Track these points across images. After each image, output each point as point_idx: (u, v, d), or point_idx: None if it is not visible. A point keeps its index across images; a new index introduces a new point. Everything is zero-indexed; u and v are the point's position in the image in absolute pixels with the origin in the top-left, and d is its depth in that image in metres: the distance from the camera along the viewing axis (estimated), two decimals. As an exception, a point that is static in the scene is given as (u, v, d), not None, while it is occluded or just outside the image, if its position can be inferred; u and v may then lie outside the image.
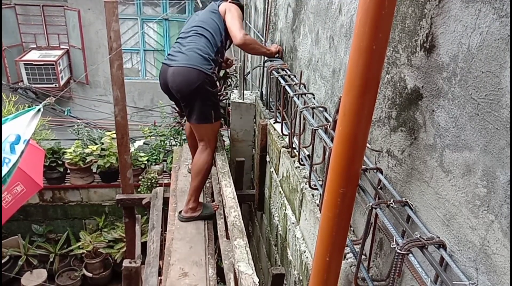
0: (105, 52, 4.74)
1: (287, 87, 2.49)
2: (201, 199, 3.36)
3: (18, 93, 7.08)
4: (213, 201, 3.39)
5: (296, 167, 2.48)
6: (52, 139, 6.01)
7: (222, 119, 5.60)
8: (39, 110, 2.76)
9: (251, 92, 3.98)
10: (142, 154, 6.09)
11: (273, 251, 3.19)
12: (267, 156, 3.36)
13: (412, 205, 1.35)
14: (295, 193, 2.49)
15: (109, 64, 3.66)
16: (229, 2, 3.02)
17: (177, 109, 4.16)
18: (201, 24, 2.88)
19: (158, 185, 5.44)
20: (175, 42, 2.95)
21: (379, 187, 1.53)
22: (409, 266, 1.17)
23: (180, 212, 3.10)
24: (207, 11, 2.99)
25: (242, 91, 3.78)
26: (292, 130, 2.51)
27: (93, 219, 6.27)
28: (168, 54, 2.90)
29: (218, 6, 2.95)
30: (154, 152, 6.20)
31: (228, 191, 2.77)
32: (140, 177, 5.87)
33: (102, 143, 5.83)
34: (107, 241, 5.87)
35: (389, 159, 1.52)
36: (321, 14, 2.27)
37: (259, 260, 3.83)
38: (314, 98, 2.36)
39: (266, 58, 3.39)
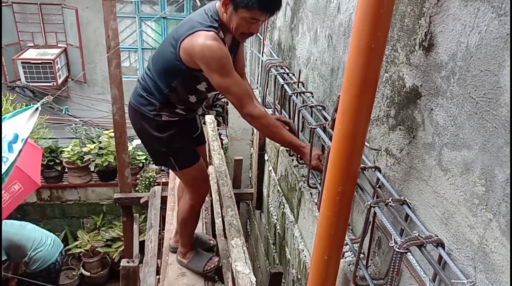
0: (103, 51, 4.72)
1: (285, 86, 2.49)
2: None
3: (15, 91, 7.05)
4: (212, 200, 3.38)
5: (294, 166, 2.48)
6: (50, 138, 5.99)
7: (221, 117, 5.63)
8: (37, 108, 2.75)
9: (249, 91, 3.98)
10: (140, 153, 6.08)
11: (271, 249, 3.19)
12: (266, 154, 3.36)
13: (410, 203, 1.35)
14: (293, 191, 2.50)
15: (107, 62, 3.65)
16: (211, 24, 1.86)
17: None
18: (156, 59, 2.06)
19: (156, 184, 5.43)
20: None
21: (377, 186, 1.53)
22: (408, 264, 1.17)
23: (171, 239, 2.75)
24: (172, 38, 1.94)
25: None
26: (291, 129, 2.51)
27: (91, 218, 6.26)
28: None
29: (181, 40, 1.86)
30: (152, 151, 6.18)
31: (225, 190, 2.77)
32: (138, 176, 5.86)
33: (100, 142, 5.82)
34: (105, 240, 5.86)
35: (387, 157, 1.52)
36: (319, 12, 2.27)
37: (257, 259, 3.83)
38: (312, 96, 2.36)
39: (266, 57, 3.37)
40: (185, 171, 2.25)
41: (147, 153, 2.34)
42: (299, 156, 2.27)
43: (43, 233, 3.72)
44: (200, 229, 3.03)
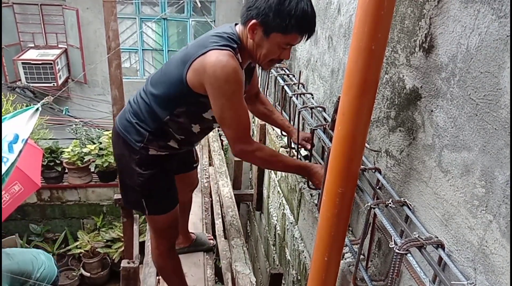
0: (104, 52, 4.73)
1: (286, 87, 2.50)
2: (199, 198, 3.36)
3: (16, 92, 7.04)
4: (212, 200, 3.38)
5: (294, 167, 2.48)
6: (50, 139, 5.99)
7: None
8: (37, 109, 2.75)
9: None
10: (140, 154, 6.08)
11: (271, 250, 3.19)
12: (266, 156, 3.35)
13: (410, 205, 1.35)
14: (293, 193, 2.50)
15: (107, 63, 3.65)
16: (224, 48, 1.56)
17: None
18: (158, 82, 1.75)
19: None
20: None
21: (377, 187, 1.53)
22: (408, 266, 1.17)
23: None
24: (184, 58, 1.63)
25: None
26: (291, 130, 2.51)
27: (91, 219, 6.26)
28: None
29: (191, 61, 1.58)
30: (152, 151, 6.18)
31: (226, 191, 2.78)
32: (138, 177, 5.86)
33: (100, 143, 5.82)
34: (105, 240, 5.86)
35: (387, 159, 1.52)
36: (320, 14, 2.27)
37: (257, 260, 3.83)
38: (312, 98, 2.37)
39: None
40: (154, 217, 1.95)
41: (119, 185, 2.03)
42: (308, 181, 2.01)
43: (31, 252, 3.52)
44: (200, 229, 3.03)
